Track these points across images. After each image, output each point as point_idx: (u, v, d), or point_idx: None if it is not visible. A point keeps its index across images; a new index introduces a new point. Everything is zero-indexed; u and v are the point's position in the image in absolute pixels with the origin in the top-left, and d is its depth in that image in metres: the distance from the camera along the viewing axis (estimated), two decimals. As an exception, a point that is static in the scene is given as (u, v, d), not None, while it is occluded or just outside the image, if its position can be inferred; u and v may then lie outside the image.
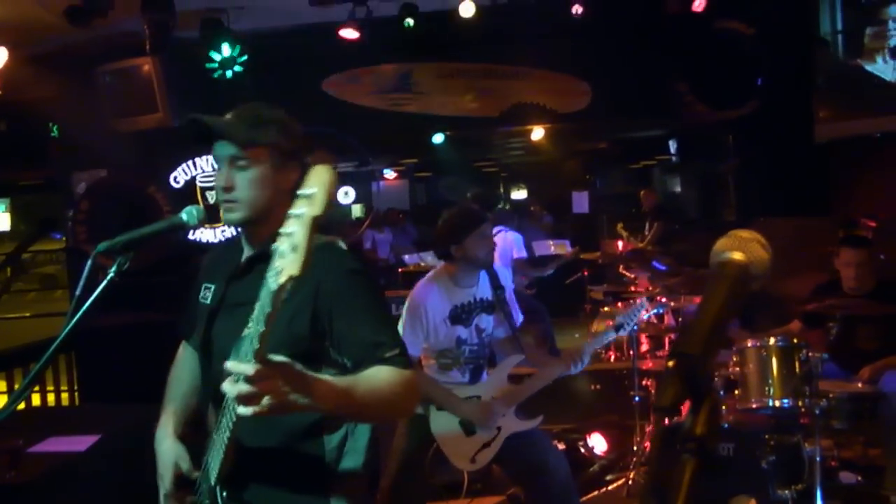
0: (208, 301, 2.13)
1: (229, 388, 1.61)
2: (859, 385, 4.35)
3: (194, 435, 2.19)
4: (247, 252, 2.09)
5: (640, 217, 9.82)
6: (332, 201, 1.50)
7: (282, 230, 1.51)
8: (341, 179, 13.62)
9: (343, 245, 2.12)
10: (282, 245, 1.51)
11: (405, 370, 1.91)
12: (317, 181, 1.50)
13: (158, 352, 2.55)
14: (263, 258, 1.95)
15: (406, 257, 8.61)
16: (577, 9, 6.74)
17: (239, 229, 2.12)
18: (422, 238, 12.03)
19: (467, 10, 6.70)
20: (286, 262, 1.50)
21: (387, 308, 2.07)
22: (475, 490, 4.99)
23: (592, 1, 6.77)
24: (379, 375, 1.87)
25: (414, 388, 1.94)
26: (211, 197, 7.03)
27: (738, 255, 1.21)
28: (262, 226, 2.00)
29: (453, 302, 3.74)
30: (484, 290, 3.83)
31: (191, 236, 7.03)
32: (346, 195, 13.33)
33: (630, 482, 4.85)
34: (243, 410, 1.61)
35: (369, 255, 10.35)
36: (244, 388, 1.59)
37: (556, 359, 3.93)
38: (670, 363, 1.00)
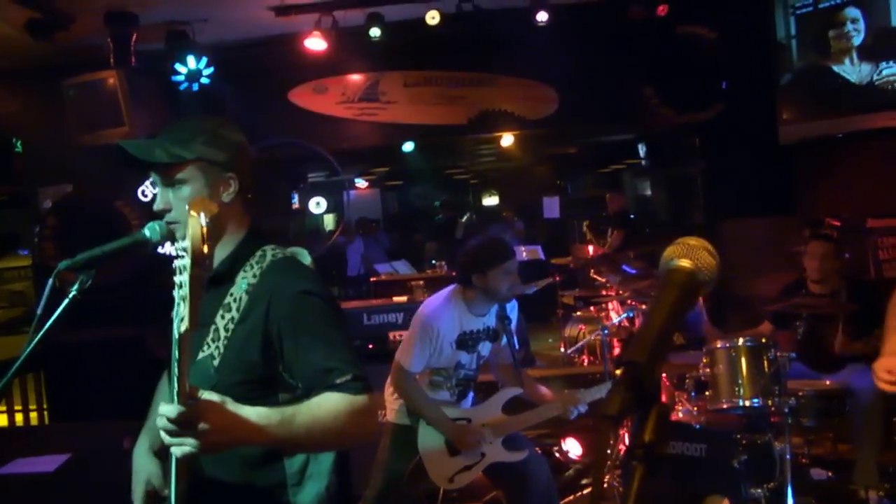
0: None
1: (158, 423, 1.60)
2: (827, 383, 4.41)
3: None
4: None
5: (607, 220, 9.85)
6: (199, 254, 1.50)
7: (175, 278, 1.52)
8: (312, 190, 13.56)
9: (306, 257, 2.09)
10: (178, 294, 1.52)
11: (357, 396, 1.82)
12: (188, 233, 1.50)
13: (128, 368, 2.52)
14: (218, 279, 1.93)
15: (378, 266, 8.59)
16: (541, 16, 6.79)
17: None
18: (394, 247, 12.02)
19: (433, 18, 6.72)
20: (182, 312, 1.51)
21: (341, 330, 1.96)
22: (451, 498, 4.99)
23: (557, 8, 6.83)
24: (324, 404, 1.80)
25: (365, 414, 1.84)
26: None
27: (685, 263, 1.22)
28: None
29: (464, 328, 3.74)
30: (492, 319, 3.84)
31: (160, 250, 6.96)
32: (318, 205, 13.26)
33: (604, 486, 4.86)
34: (175, 451, 1.60)
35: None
36: (170, 428, 1.57)
37: (554, 398, 3.92)
38: (617, 371, 1.01)
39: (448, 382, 3.81)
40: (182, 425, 1.56)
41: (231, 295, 1.93)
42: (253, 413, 1.69)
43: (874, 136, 6.39)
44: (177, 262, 1.50)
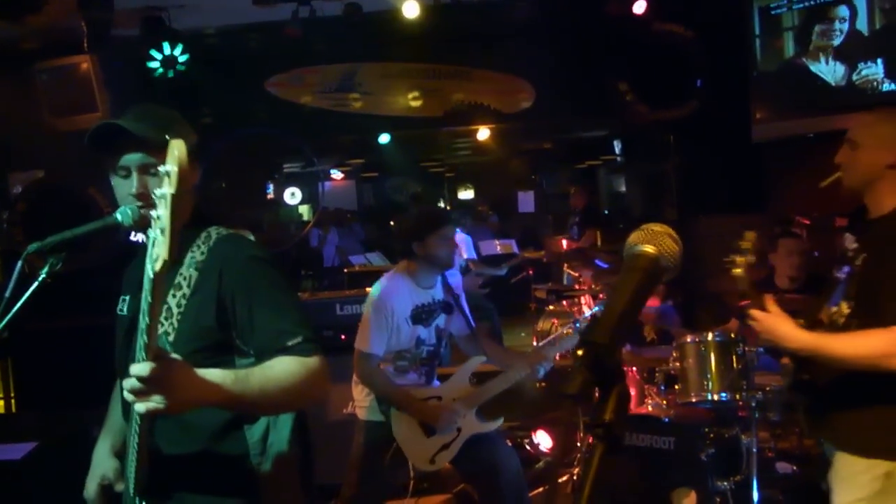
0: (125, 312, 2.11)
1: (125, 384, 1.59)
2: (794, 378, 4.47)
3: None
4: None
5: (572, 215, 9.90)
6: (186, 177, 1.45)
7: (152, 212, 1.47)
8: (287, 180, 13.49)
9: (250, 236, 2.12)
10: (154, 230, 1.46)
11: (308, 358, 1.87)
12: (171, 157, 1.45)
13: (98, 356, 2.50)
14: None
15: (353, 257, 8.57)
16: (519, 11, 6.81)
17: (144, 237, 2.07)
18: (369, 238, 12.00)
19: (411, 10, 6.71)
20: (159, 247, 1.46)
21: (291, 295, 2.03)
22: (421, 489, 5.00)
23: (535, 3, 6.85)
24: (277, 366, 1.84)
25: (319, 375, 1.89)
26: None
27: (649, 248, 1.24)
28: None
29: (414, 302, 3.79)
30: (440, 291, 3.89)
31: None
32: (293, 196, 13.22)
33: (575, 478, 4.92)
34: (139, 407, 1.59)
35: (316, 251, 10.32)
36: (136, 384, 1.56)
37: (519, 358, 3.96)
38: (579, 352, 1.03)
39: (413, 363, 3.83)
40: (152, 382, 1.56)
41: (181, 274, 1.95)
42: (208, 372, 1.72)
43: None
44: (157, 192, 1.46)
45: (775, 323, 2.39)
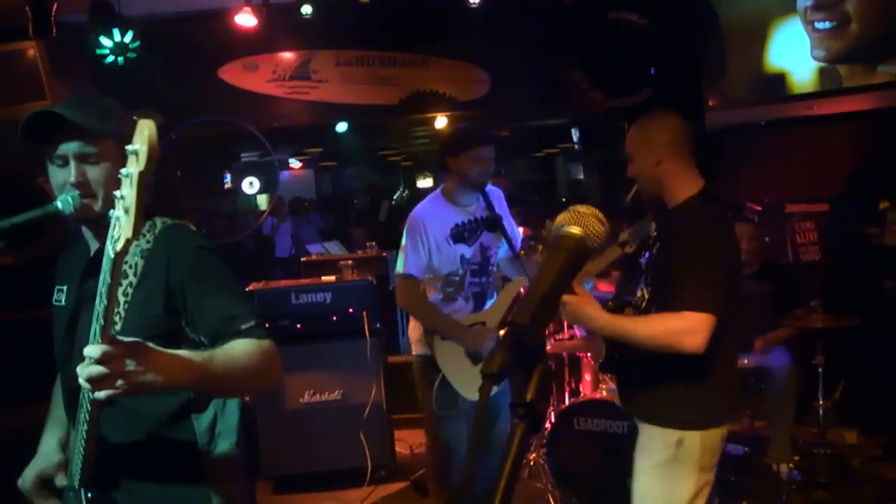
0: (62, 303, 2.08)
1: (81, 371, 1.56)
2: (745, 361, 4.56)
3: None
4: (95, 245, 2.04)
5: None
6: (155, 156, 1.45)
7: (115, 192, 1.46)
8: (245, 169, 13.35)
9: (192, 227, 2.11)
10: (117, 210, 1.46)
11: (263, 340, 1.89)
12: (140, 136, 1.45)
13: (43, 350, 2.46)
14: None
15: (309, 246, 8.52)
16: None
17: (83, 226, 2.06)
18: (327, 227, 11.93)
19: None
20: (122, 226, 1.45)
21: (238, 283, 2.06)
22: (379, 477, 5.03)
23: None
24: (237, 347, 1.85)
25: (274, 357, 1.92)
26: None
27: (575, 230, 1.25)
28: None
29: (454, 220, 3.75)
30: (483, 209, 3.84)
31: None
32: (251, 185, 13.10)
33: (531, 464, 4.97)
34: (98, 394, 1.56)
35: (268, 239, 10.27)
36: (94, 369, 1.54)
37: None
38: (501, 332, 1.04)
39: (461, 288, 3.77)
40: (108, 364, 1.54)
41: (126, 263, 1.92)
42: (176, 353, 1.72)
43: (794, 124, 6.61)
44: (123, 171, 1.45)
45: (581, 305, 2.53)
